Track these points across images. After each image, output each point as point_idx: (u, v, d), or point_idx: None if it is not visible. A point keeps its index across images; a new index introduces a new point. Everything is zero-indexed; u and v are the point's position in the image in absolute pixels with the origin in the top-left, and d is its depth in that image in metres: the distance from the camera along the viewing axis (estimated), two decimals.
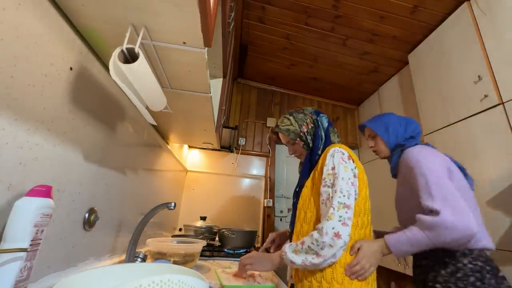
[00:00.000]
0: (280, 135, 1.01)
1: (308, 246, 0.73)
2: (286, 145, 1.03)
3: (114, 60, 0.51)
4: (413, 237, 0.79)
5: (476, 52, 1.39)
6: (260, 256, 0.88)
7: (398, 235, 0.82)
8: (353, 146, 2.70)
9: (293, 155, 1.01)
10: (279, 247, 1.09)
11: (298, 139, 0.94)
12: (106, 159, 0.77)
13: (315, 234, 0.73)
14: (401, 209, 1.04)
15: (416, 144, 0.99)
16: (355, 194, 0.78)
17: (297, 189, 0.94)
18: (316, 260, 0.72)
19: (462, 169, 0.93)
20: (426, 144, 1.01)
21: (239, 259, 1.27)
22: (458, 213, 0.75)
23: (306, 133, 0.94)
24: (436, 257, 0.87)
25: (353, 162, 0.84)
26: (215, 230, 1.68)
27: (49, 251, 0.55)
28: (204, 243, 1.12)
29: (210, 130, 1.28)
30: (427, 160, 0.88)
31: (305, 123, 0.95)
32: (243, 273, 0.90)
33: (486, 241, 0.84)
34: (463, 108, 1.44)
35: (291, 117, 0.97)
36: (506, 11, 1.27)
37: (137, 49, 0.53)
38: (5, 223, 0.41)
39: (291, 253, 0.77)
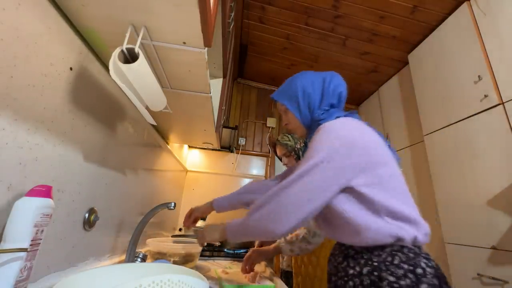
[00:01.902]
0: (279, 148, 1.25)
1: (303, 237, 1.04)
2: (280, 157, 1.27)
3: (114, 60, 0.51)
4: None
5: (476, 52, 1.39)
6: (258, 250, 1.06)
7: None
8: None
9: (285, 166, 1.26)
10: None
11: (293, 152, 1.20)
12: (106, 159, 0.77)
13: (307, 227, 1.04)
14: None
15: (338, 117, 0.71)
16: None
17: None
18: (309, 246, 1.04)
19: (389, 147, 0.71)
20: (351, 114, 0.73)
21: (239, 259, 1.29)
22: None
23: (299, 149, 1.20)
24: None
25: None
26: None
27: (49, 251, 0.55)
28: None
29: (210, 130, 1.28)
30: (329, 137, 0.63)
31: (299, 142, 1.21)
32: (247, 267, 1.01)
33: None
34: (463, 108, 1.44)
35: (289, 135, 1.24)
36: (506, 11, 1.27)
37: (137, 49, 0.53)
38: (5, 223, 0.41)
39: (287, 243, 1.06)
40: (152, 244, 0.99)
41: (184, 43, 0.61)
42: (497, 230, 1.18)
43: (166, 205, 0.88)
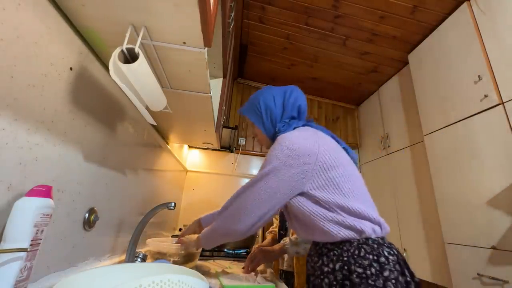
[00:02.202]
0: None
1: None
2: None
3: (114, 60, 0.51)
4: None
5: (476, 52, 1.39)
6: (265, 250, 1.05)
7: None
8: (353, 146, 2.70)
9: None
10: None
11: None
12: (106, 159, 0.77)
13: None
14: None
15: (296, 127, 0.79)
16: None
17: None
18: None
19: (345, 149, 0.79)
20: (308, 123, 0.82)
21: (239, 259, 1.29)
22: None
23: None
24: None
25: None
26: None
27: (49, 251, 0.55)
28: None
29: (210, 130, 1.28)
30: (280, 148, 0.70)
31: None
32: (249, 266, 1.01)
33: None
34: (463, 108, 1.44)
35: None
36: (506, 11, 1.27)
37: (137, 49, 0.53)
38: (5, 223, 0.41)
39: (293, 245, 1.05)
40: (152, 244, 0.99)
41: (184, 43, 0.61)
42: (497, 230, 1.18)
43: (166, 205, 0.88)
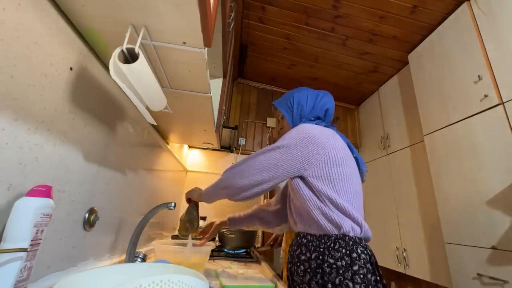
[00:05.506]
0: None
1: None
2: None
3: (114, 60, 0.51)
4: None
5: (476, 52, 1.39)
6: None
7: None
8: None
9: None
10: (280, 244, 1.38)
11: None
12: (106, 159, 0.77)
13: None
14: None
15: (318, 124, 0.87)
16: None
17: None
18: None
19: (356, 159, 0.85)
20: (330, 125, 0.90)
21: (239, 259, 1.29)
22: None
23: None
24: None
25: None
26: None
27: (49, 251, 0.55)
28: (213, 245, 1.04)
29: (210, 130, 1.28)
30: (297, 132, 0.78)
31: None
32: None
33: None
34: (463, 108, 1.44)
35: None
36: (506, 11, 1.27)
37: (137, 49, 0.53)
38: (5, 223, 0.41)
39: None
40: (159, 249, 0.90)
41: (184, 43, 0.61)
42: (497, 230, 1.18)
43: (166, 205, 0.87)
